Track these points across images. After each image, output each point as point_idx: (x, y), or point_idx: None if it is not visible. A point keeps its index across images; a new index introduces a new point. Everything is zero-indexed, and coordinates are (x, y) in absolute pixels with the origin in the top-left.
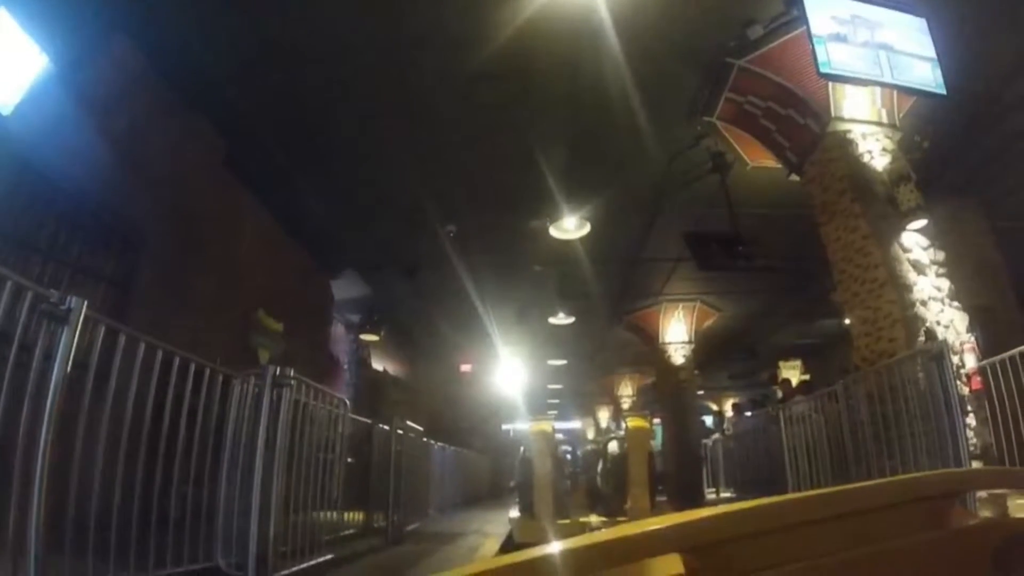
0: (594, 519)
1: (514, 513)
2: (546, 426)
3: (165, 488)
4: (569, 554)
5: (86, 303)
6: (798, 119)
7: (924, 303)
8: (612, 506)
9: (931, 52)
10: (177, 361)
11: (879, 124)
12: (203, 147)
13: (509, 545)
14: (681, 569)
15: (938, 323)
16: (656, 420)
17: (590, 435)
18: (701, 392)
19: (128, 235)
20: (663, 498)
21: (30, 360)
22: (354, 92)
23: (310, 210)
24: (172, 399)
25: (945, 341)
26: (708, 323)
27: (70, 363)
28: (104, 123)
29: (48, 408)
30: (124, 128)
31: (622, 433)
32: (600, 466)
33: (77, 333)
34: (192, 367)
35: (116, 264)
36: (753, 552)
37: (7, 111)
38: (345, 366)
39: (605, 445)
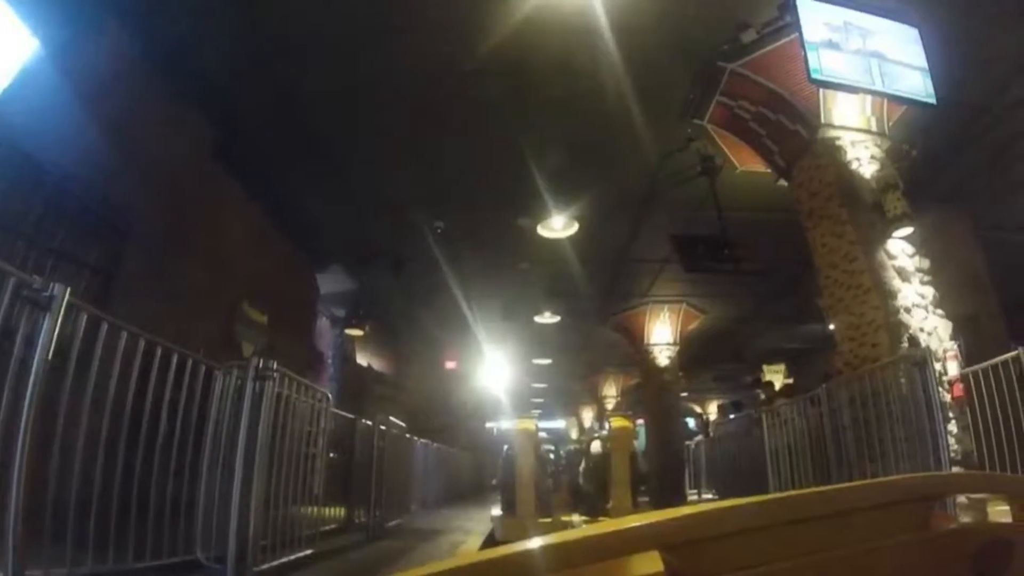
0: (576, 518)
1: (496, 511)
2: (530, 425)
3: (145, 479)
4: (549, 549)
5: (69, 290)
6: (788, 124)
7: (908, 310)
8: (594, 505)
9: (922, 62)
10: (160, 351)
11: (868, 132)
12: (192, 136)
13: (491, 542)
14: (660, 567)
15: (921, 330)
16: (640, 421)
17: (574, 434)
18: (685, 394)
19: (114, 223)
20: (645, 499)
21: (11, 347)
22: (345, 85)
23: (297, 203)
24: (154, 389)
25: (928, 348)
26: (693, 325)
27: (51, 350)
28: (93, 109)
29: (29, 396)
30: (113, 114)
31: (605, 433)
32: (583, 465)
33: (59, 320)
34: (175, 357)
35: (101, 252)
36: (733, 551)
37: None
38: (329, 360)
39: (588, 445)
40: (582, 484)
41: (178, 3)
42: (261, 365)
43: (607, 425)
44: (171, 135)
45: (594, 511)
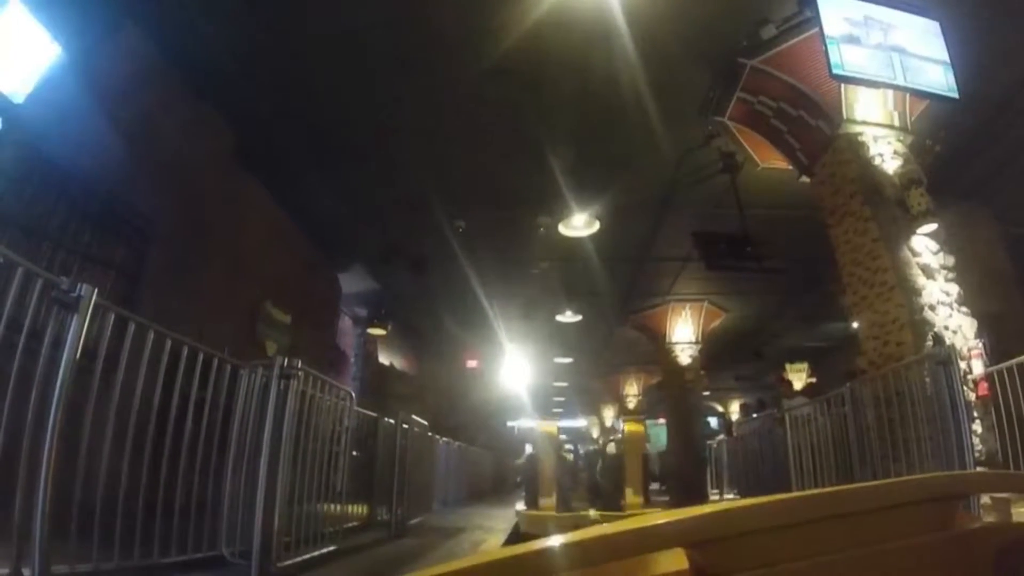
0: (593, 513)
1: (521, 506)
2: (552, 427)
3: (171, 476)
4: (574, 546)
5: (96, 291)
6: (809, 120)
7: (932, 308)
8: (610, 501)
9: (944, 55)
10: (185, 350)
11: (891, 127)
12: (213, 137)
13: (513, 540)
14: (685, 564)
15: (946, 328)
16: (661, 420)
17: (594, 434)
18: (707, 393)
19: (137, 224)
20: (664, 498)
21: (40, 347)
22: (365, 85)
23: (319, 203)
24: (180, 388)
25: (953, 346)
26: (715, 324)
27: (79, 350)
28: (115, 112)
29: (56, 395)
30: (134, 117)
31: (620, 435)
32: (600, 464)
33: (87, 321)
34: (200, 357)
35: (125, 253)
36: (757, 548)
37: (19, 100)
38: (352, 359)
39: (605, 445)
40: (600, 481)
41: (196, 6)
42: (285, 364)
43: (622, 427)
44: (192, 137)
45: (610, 506)
